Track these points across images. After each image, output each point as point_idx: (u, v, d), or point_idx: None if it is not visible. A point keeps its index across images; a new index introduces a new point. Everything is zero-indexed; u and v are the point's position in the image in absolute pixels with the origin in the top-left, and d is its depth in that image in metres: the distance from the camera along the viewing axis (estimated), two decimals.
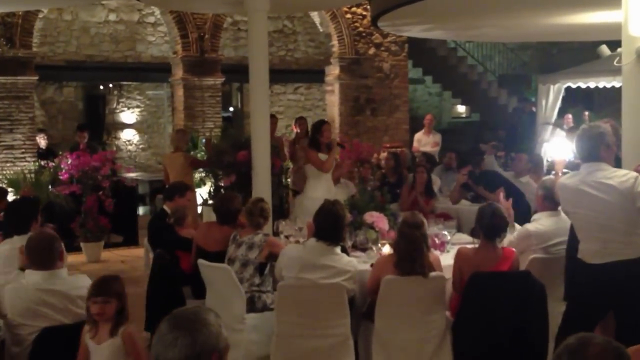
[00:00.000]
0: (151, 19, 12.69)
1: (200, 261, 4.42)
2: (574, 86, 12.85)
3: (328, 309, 3.95)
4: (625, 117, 4.26)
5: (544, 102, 13.02)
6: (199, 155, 9.16)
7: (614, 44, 4.63)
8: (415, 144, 10.70)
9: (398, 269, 3.97)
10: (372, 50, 11.59)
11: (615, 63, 4.31)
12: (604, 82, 11.95)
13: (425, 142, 10.62)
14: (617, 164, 4.11)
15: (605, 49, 3.95)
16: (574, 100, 14.32)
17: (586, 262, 3.86)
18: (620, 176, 3.77)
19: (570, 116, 12.26)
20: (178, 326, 1.72)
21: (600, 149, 3.79)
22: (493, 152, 7.57)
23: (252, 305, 4.30)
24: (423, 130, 10.76)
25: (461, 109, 16.67)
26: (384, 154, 9.76)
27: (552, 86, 12.90)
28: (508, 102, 15.75)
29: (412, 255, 3.93)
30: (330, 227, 3.97)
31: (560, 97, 13.14)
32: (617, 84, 10.23)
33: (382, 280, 3.97)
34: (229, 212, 4.76)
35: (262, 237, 4.45)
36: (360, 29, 11.37)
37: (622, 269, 3.70)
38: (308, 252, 4.01)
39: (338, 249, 4.03)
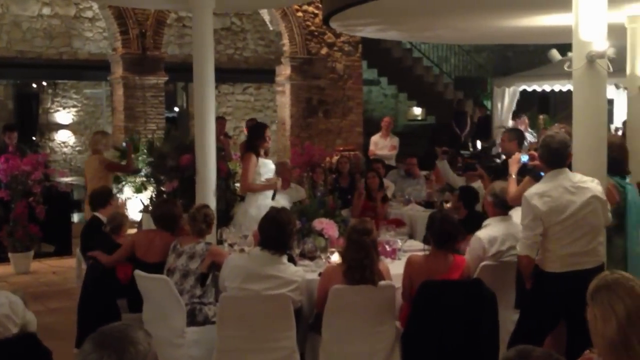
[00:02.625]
0: (89, 14, 12.44)
1: (137, 272, 4.34)
2: (529, 89, 13.22)
3: (273, 322, 3.92)
4: (576, 122, 4.39)
5: (499, 105, 13.36)
6: (140, 158, 9.01)
7: (569, 47, 4.74)
8: (371, 147, 10.75)
9: (347, 278, 3.98)
10: (324, 50, 11.63)
11: (565, 68, 4.42)
12: (558, 86, 12.32)
13: (382, 145, 10.69)
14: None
15: (555, 53, 4.04)
16: (529, 103, 14.70)
17: (544, 271, 3.97)
18: (590, 180, 4.01)
19: (525, 119, 12.56)
20: (103, 345, 1.67)
21: (567, 156, 4.00)
22: (444, 157, 7.70)
23: (193, 318, 4.24)
24: (380, 133, 10.82)
25: (417, 111, 16.89)
26: (336, 158, 9.82)
27: (507, 89, 13.25)
28: (464, 104, 16.00)
29: (361, 263, 3.94)
30: (276, 235, 3.96)
31: (516, 100, 13.51)
32: (572, 88, 10.56)
33: (330, 290, 3.97)
34: (168, 219, 4.69)
35: (204, 246, 4.40)
36: (312, 28, 11.40)
37: (580, 278, 3.81)
38: (252, 262, 3.98)
39: (284, 258, 4.01)
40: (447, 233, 4.21)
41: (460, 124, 13.92)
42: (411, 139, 14.32)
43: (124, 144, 8.69)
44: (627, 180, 4.66)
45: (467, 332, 4.03)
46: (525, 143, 7.38)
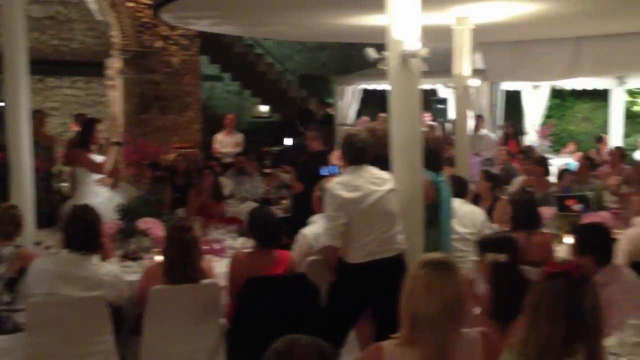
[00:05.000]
0: None
1: None
2: (369, 88, 13.86)
3: (87, 325, 3.89)
4: (393, 120, 4.67)
5: (340, 104, 13.89)
6: None
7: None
8: (216, 144, 10.79)
9: (167, 277, 4.04)
10: (159, 43, 11.43)
11: (379, 66, 4.71)
12: None
13: (226, 142, 10.76)
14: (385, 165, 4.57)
15: (371, 52, 4.28)
16: (374, 101, 15.43)
17: (346, 262, 4.26)
18: (386, 174, 4.40)
19: (365, 118, 13.16)
20: None
21: (367, 153, 4.32)
22: (269, 158, 8.02)
23: (1, 326, 4.09)
24: (225, 131, 10.89)
25: (264, 108, 17.12)
26: (173, 155, 9.76)
27: (347, 87, 13.81)
28: (308, 102, 16.47)
29: (182, 261, 4.02)
30: (83, 234, 3.93)
31: (358, 98, 14.12)
32: None
33: (150, 291, 4.01)
34: None
35: (13, 249, 4.26)
36: (145, 19, 11.15)
37: (380, 267, 4.16)
38: (60, 265, 3.93)
39: (95, 259, 3.99)
40: (268, 232, 4.38)
41: (305, 121, 14.29)
42: (256, 136, 14.50)
43: None
44: (441, 177, 5.10)
45: (291, 326, 4.21)
46: None
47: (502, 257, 3.43)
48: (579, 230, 3.93)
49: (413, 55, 4.57)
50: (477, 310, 3.54)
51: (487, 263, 3.50)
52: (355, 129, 4.87)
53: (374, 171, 4.37)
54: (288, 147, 12.69)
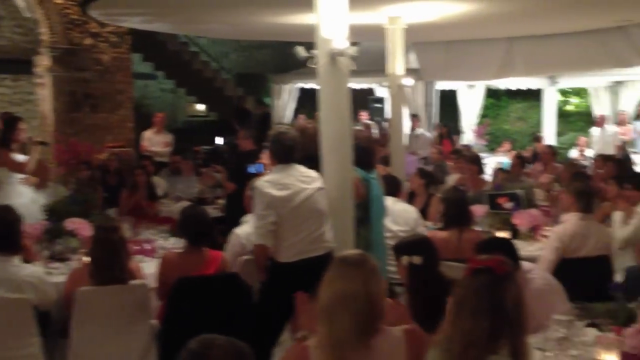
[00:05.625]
0: None
1: None
2: (306, 87, 13.94)
3: (10, 329, 3.82)
4: (323, 118, 4.72)
5: (277, 103, 13.93)
6: None
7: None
8: (145, 142, 10.66)
9: (94, 279, 4.00)
10: (88, 41, 11.22)
11: (309, 65, 4.76)
12: None
13: (155, 141, 10.64)
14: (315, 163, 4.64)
15: (301, 50, 4.31)
16: (308, 100, 15.53)
17: (278, 262, 4.31)
18: (314, 172, 4.46)
19: (302, 117, 13.22)
20: None
21: (296, 152, 4.38)
22: (200, 157, 8.02)
23: None
24: (154, 129, 10.76)
25: (201, 107, 17.00)
26: (105, 155, 9.64)
27: (284, 86, 13.86)
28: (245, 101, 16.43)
29: (109, 262, 3.99)
30: (4, 235, 3.86)
31: (295, 97, 14.18)
32: None
33: (76, 292, 3.97)
34: None
35: None
36: (74, 16, 10.92)
37: (309, 266, 4.22)
38: None
39: (16, 260, 3.92)
40: (199, 231, 4.39)
41: (242, 121, 14.24)
42: (192, 135, 14.38)
43: None
44: (373, 175, 5.18)
45: (223, 326, 4.21)
46: None
47: (416, 259, 3.48)
48: (480, 248, 3.71)
49: (341, 53, 4.63)
50: None
51: (403, 266, 3.54)
52: (285, 127, 4.88)
53: (302, 169, 4.42)
54: (219, 146, 12.64)
